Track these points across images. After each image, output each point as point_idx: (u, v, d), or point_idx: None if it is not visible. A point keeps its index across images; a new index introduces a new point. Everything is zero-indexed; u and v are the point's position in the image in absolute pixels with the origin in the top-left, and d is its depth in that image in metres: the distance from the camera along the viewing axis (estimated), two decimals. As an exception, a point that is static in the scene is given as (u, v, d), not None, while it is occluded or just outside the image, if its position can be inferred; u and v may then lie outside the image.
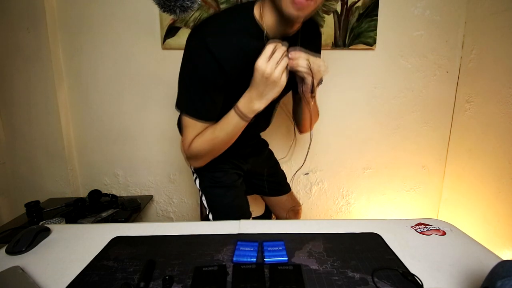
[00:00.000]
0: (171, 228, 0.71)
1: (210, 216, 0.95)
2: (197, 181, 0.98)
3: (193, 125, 0.76)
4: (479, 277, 0.51)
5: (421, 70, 1.49)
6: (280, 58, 0.66)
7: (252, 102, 0.71)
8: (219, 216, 0.94)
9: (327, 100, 1.50)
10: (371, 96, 1.52)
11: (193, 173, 0.99)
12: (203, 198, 0.97)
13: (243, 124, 0.75)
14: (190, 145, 0.78)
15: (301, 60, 0.69)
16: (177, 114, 0.82)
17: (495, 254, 0.60)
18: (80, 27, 1.44)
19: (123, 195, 1.57)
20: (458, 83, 1.50)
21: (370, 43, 1.42)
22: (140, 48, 1.46)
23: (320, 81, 0.77)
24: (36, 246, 0.64)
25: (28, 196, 1.42)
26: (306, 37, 0.80)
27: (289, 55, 0.69)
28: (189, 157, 0.82)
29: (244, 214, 0.97)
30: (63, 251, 0.63)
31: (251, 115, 0.73)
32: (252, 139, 1.06)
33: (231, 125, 0.75)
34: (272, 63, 0.65)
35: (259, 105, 0.71)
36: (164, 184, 1.63)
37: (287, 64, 0.68)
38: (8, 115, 1.48)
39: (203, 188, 0.97)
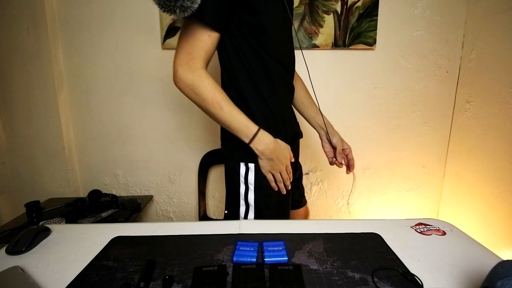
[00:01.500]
0: (171, 228, 0.71)
1: (252, 215, 0.82)
2: (249, 173, 0.80)
3: (198, 33, 0.67)
4: (479, 277, 0.51)
5: (421, 70, 1.49)
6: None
7: (262, 148, 0.75)
8: (270, 213, 0.82)
9: (327, 100, 1.50)
10: (371, 96, 1.52)
11: (237, 162, 0.81)
12: (250, 193, 0.81)
13: (239, 134, 0.74)
14: (190, 67, 0.68)
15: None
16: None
17: (495, 254, 0.60)
18: (80, 27, 1.44)
19: (123, 195, 1.58)
20: (458, 83, 1.50)
21: (370, 43, 1.43)
22: (140, 48, 1.46)
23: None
24: (36, 246, 0.64)
25: (28, 196, 1.42)
26: None
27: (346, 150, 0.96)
28: (179, 79, 0.70)
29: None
30: (63, 251, 0.63)
31: (251, 144, 0.75)
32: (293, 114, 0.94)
33: (235, 122, 0.73)
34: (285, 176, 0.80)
35: (263, 153, 0.76)
36: (164, 184, 1.63)
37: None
38: (8, 115, 1.48)
39: (258, 181, 0.80)
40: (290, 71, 0.85)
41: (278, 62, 0.77)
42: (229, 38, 0.74)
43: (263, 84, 0.77)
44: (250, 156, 0.78)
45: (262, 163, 0.78)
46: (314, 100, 1.00)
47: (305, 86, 1.01)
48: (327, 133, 0.98)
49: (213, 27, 0.68)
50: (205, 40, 0.69)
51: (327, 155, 1.01)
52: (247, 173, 0.80)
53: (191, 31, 0.68)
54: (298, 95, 0.98)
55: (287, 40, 0.82)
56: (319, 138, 1.02)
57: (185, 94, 0.72)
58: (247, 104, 0.77)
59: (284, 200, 0.85)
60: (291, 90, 0.89)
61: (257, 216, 0.82)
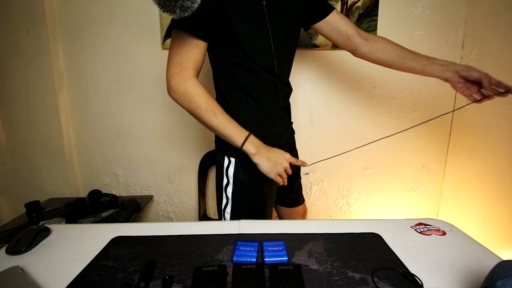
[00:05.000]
0: (171, 228, 0.71)
1: (229, 209, 0.85)
2: (230, 167, 0.84)
3: (186, 44, 0.71)
4: (479, 277, 0.51)
5: (421, 70, 1.48)
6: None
7: (256, 153, 0.78)
8: (246, 209, 0.84)
9: (327, 100, 1.50)
10: (371, 96, 1.52)
11: (222, 156, 0.85)
12: (229, 186, 0.84)
13: (232, 139, 0.77)
14: (183, 77, 0.73)
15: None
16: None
17: (495, 254, 0.60)
18: (80, 27, 1.44)
19: (123, 195, 1.57)
20: (458, 83, 1.50)
21: (370, 43, 1.42)
22: (140, 48, 1.46)
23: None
24: (36, 246, 0.64)
25: (28, 196, 1.42)
26: None
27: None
28: (173, 90, 0.76)
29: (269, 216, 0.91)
30: (63, 251, 0.63)
31: (243, 147, 0.77)
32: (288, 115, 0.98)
33: (227, 128, 0.76)
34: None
35: (257, 159, 0.78)
36: (164, 184, 1.63)
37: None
38: (8, 115, 1.48)
39: (236, 175, 0.83)
40: (278, 74, 0.84)
41: (260, 68, 0.80)
42: (217, 51, 0.79)
43: (245, 90, 0.80)
44: (233, 150, 0.81)
45: (263, 167, 0.79)
46: (414, 51, 0.93)
47: (396, 45, 0.98)
48: (455, 72, 0.86)
49: (198, 36, 0.71)
50: (193, 49, 0.72)
51: (465, 96, 0.88)
52: (228, 166, 0.85)
53: (180, 42, 0.72)
54: (393, 55, 0.96)
55: (268, 47, 0.81)
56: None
57: (179, 104, 0.76)
58: (233, 110, 0.82)
59: (262, 197, 0.87)
60: (282, 91, 0.89)
61: (233, 210, 0.85)
